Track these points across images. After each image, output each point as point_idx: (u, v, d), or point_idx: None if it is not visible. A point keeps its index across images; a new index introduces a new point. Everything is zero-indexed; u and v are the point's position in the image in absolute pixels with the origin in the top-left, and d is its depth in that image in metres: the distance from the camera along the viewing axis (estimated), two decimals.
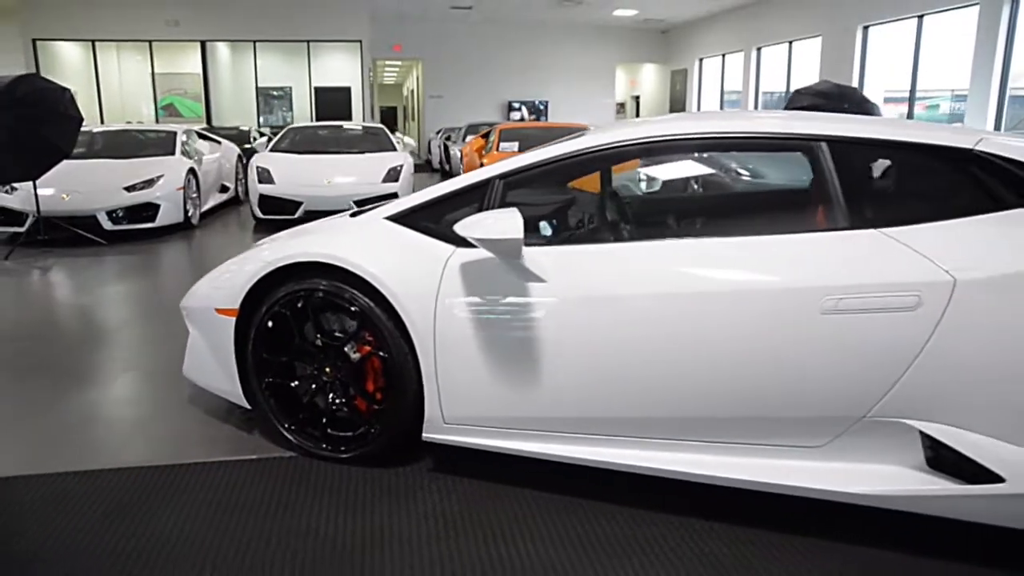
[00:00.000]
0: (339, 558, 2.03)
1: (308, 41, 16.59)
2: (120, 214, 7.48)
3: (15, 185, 7.20)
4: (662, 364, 2.09)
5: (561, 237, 2.55)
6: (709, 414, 2.10)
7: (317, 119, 17.02)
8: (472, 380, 2.30)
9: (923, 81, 12.73)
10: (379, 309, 2.40)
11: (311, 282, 2.49)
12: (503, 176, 2.39)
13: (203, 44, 16.05)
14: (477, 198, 2.40)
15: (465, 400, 2.34)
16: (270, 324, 2.58)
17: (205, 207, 9.00)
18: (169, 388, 3.35)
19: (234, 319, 2.65)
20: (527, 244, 2.27)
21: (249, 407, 2.79)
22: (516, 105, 22.11)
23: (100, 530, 2.17)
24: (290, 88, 17.60)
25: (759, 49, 17.34)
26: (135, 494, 2.39)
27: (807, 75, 15.30)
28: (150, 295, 5.25)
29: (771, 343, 2.00)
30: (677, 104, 21.92)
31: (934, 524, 2.08)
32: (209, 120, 16.37)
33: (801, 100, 7.92)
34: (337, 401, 2.58)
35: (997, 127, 10.84)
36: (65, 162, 7.92)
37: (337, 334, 2.54)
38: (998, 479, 1.86)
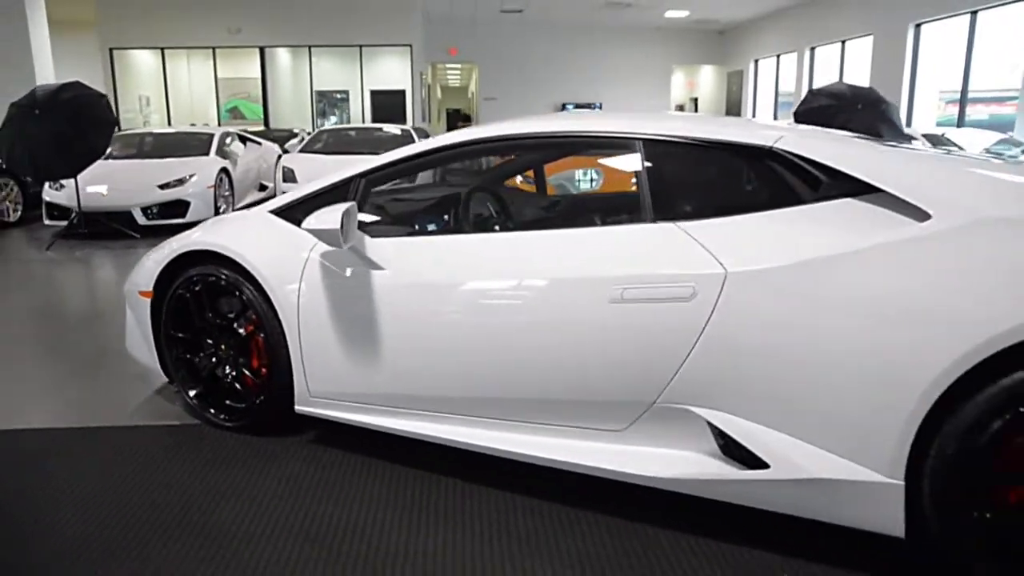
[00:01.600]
0: (189, 508, 2.29)
1: (360, 46, 17.21)
2: (154, 210, 8.08)
3: (63, 183, 7.90)
4: (477, 348, 2.27)
5: (409, 229, 2.74)
6: (520, 395, 2.25)
7: (373, 121, 17.61)
8: (329, 358, 2.53)
9: (986, 81, 12.13)
10: (256, 292, 2.66)
11: (206, 267, 2.78)
12: (363, 175, 2.61)
13: (262, 50, 16.89)
14: (343, 195, 2.62)
15: (324, 376, 2.56)
16: (176, 305, 2.88)
17: (241, 204, 9.55)
18: (129, 363, 3.71)
19: (150, 300, 2.97)
20: (377, 236, 2.49)
21: (167, 379, 3.10)
22: (569, 108, 22.26)
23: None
24: (347, 92, 18.27)
25: (812, 49, 16.90)
26: (37, 453, 2.72)
27: (859, 76, 14.83)
28: None
29: (568, 330, 2.14)
30: (733, 106, 21.56)
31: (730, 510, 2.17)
32: (267, 122, 17.21)
33: (814, 101, 7.83)
34: (231, 375, 2.85)
35: None
36: (110, 161, 8.65)
37: (229, 314, 2.81)
38: (765, 465, 1.95)
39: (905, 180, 1.90)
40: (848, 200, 1.98)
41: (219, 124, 17.00)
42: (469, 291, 2.28)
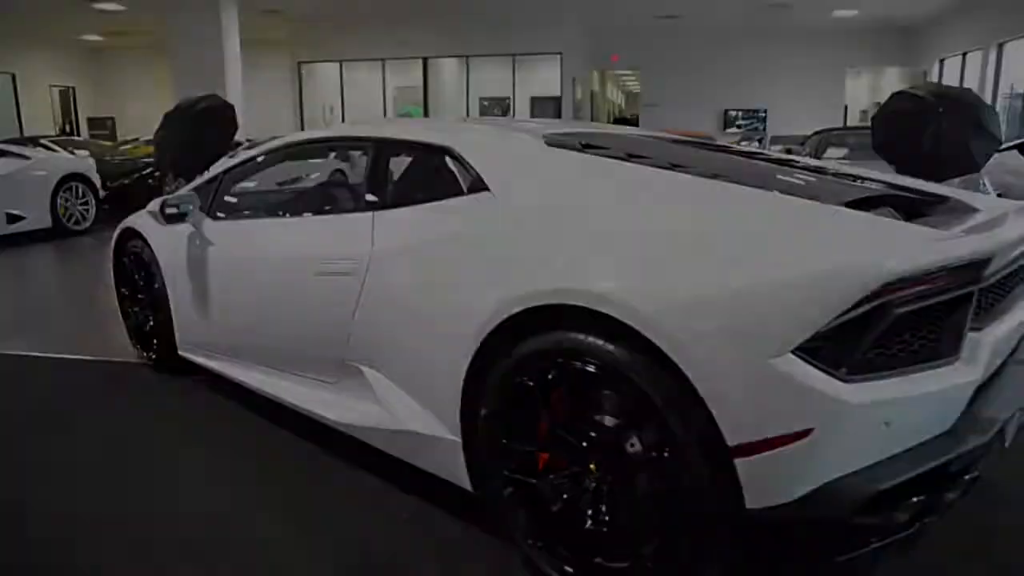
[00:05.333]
0: (67, 412, 3.13)
1: (513, 55, 18.19)
2: None
3: None
4: (250, 308, 2.89)
5: (239, 214, 3.37)
6: (277, 349, 2.80)
7: None
8: (186, 314, 3.27)
9: None
10: (155, 260, 3.46)
11: (137, 241, 3.64)
12: (226, 171, 3.30)
13: (424, 60, 18.48)
14: (215, 185, 3.33)
15: (185, 328, 3.31)
16: (122, 268, 3.79)
17: None
18: None
19: (112, 265, 3.91)
20: (218, 219, 3.18)
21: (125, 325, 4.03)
22: (734, 114, 21.64)
23: None
24: (507, 98, 19.41)
25: (1000, 45, 14.98)
26: (9, 371, 3.75)
27: None
28: None
29: (294, 296, 2.66)
30: None
31: None
32: None
33: (893, 104, 7.25)
34: (152, 324, 3.69)
35: None
36: None
37: (149, 276, 3.64)
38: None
39: (496, 175, 2.18)
40: (486, 193, 2.26)
41: None
42: (246, 264, 2.90)
